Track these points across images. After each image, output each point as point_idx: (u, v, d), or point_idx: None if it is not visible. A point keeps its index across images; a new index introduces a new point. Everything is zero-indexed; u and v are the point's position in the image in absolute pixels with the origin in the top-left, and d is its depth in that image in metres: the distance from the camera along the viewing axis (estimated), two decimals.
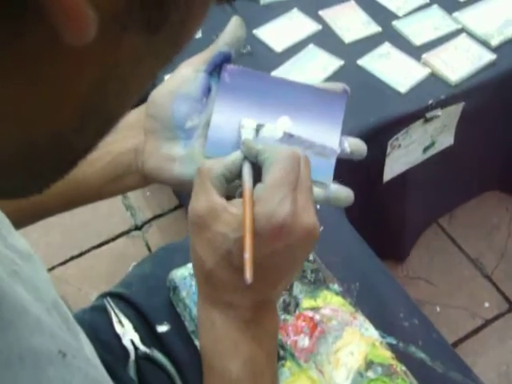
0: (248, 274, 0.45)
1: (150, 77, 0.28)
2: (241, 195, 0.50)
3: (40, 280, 0.43)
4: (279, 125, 0.56)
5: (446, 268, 1.70)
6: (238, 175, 0.52)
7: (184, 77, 0.55)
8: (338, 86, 0.58)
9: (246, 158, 0.52)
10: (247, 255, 0.46)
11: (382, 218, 1.49)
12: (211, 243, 0.49)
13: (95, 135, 0.28)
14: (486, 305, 1.64)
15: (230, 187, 0.52)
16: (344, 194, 0.57)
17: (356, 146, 0.58)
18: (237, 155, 0.52)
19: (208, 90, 0.56)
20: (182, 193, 1.66)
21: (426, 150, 1.37)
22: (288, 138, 0.56)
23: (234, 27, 0.55)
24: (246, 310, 0.51)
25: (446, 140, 1.39)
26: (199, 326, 0.54)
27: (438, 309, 1.61)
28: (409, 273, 1.68)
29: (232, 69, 0.56)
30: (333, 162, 0.56)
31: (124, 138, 0.57)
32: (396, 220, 1.54)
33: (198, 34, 1.16)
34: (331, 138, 0.56)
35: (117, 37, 0.23)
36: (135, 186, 0.59)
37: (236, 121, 0.56)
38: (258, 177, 0.51)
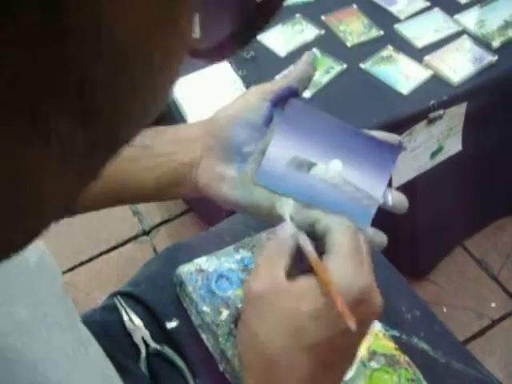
0: (351, 322, 0.42)
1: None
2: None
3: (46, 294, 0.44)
4: (331, 166, 0.57)
5: (451, 269, 1.70)
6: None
7: (249, 102, 0.56)
8: (394, 137, 0.58)
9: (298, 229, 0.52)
10: (340, 306, 0.43)
11: (393, 229, 1.44)
12: (278, 321, 0.45)
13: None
14: (493, 305, 1.64)
15: None
16: (379, 239, 0.57)
17: (399, 200, 0.58)
18: (289, 229, 0.51)
19: (269, 120, 0.56)
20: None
21: (433, 155, 1.37)
22: (337, 180, 0.57)
23: (305, 65, 0.57)
24: None
25: (454, 145, 1.39)
26: None
27: (445, 310, 1.62)
28: None
29: (297, 104, 0.57)
30: (373, 211, 0.57)
31: (184, 151, 0.58)
32: (409, 233, 1.50)
33: None
34: (377, 188, 0.57)
35: None
36: (188, 195, 0.61)
37: (291, 155, 0.56)
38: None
